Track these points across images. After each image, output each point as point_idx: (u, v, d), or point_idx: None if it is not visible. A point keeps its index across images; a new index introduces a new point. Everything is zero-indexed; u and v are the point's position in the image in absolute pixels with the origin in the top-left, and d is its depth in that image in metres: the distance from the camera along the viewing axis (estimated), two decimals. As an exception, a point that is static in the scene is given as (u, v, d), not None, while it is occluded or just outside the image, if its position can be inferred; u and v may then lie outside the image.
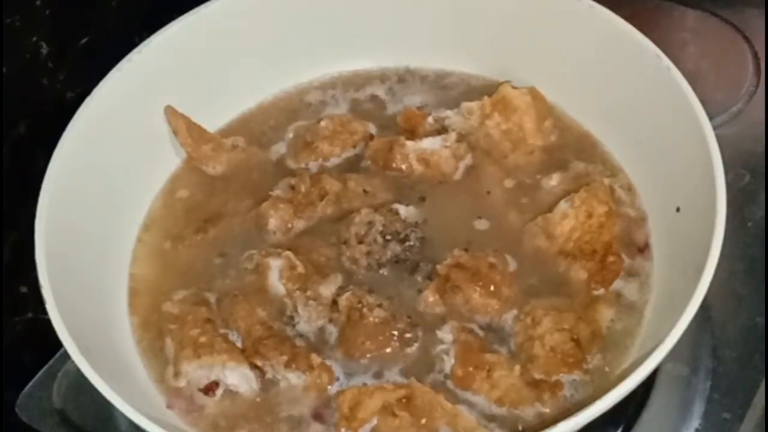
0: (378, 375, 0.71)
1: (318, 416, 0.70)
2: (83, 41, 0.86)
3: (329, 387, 0.71)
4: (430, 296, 0.74)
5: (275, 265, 0.76)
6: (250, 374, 0.71)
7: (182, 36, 0.83)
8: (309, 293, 0.75)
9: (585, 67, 0.82)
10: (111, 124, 0.79)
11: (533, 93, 0.83)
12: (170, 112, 0.83)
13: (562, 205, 0.76)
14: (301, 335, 0.74)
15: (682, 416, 0.74)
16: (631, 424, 0.74)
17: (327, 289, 0.75)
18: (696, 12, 0.98)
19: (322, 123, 0.85)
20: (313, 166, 0.83)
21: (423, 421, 0.67)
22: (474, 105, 0.83)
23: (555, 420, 0.61)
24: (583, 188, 0.76)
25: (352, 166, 0.83)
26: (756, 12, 0.97)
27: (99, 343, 0.70)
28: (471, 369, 0.69)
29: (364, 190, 0.81)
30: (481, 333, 0.72)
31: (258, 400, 0.71)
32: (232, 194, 0.83)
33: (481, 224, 0.79)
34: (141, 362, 0.74)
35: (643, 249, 0.76)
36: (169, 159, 0.85)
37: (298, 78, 0.90)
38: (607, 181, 0.79)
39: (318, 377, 0.70)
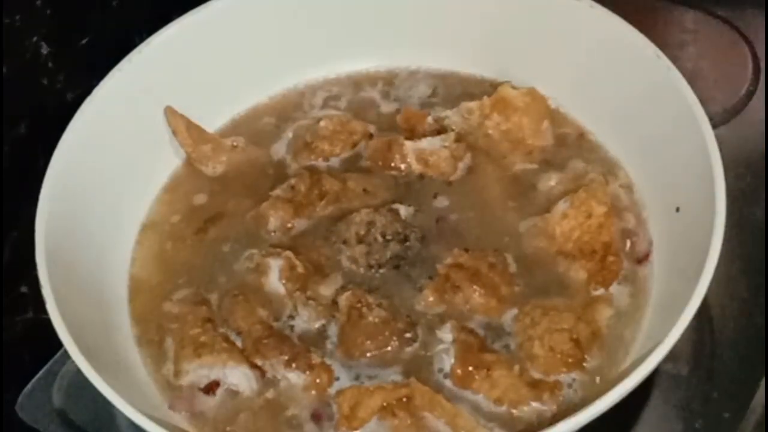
0: (378, 375, 0.71)
1: (318, 416, 0.70)
2: (83, 41, 0.86)
3: (329, 387, 0.71)
4: (429, 296, 0.74)
5: (275, 265, 0.76)
6: (250, 374, 0.71)
7: (182, 36, 0.83)
8: (309, 293, 0.75)
9: (585, 67, 0.83)
10: (111, 124, 0.79)
11: (533, 93, 0.83)
12: (170, 112, 0.83)
13: (561, 206, 0.76)
14: (301, 335, 0.74)
15: (682, 416, 0.74)
16: (631, 424, 0.74)
17: (327, 289, 0.75)
18: (696, 12, 0.98)
19: (322, 123, 0.85)
20: (313, 165, 0.83)
21: (423, 420, 0.67)
22: (473, 105, 0.83)
23: (554, 420, 0.61)
24: (582, 188, 0.76)
25: (351, 165, 0.83)
26: (756, 12, 0.97)
27: (99, 343, 0.71)
28: (470, 368, 0.69)
29: (364, 190, 0.81)
30: (480, 333, 0.72)
31: (258, 399, 0.71)
32: (232, 194, 0.83)
33: (481, 224, 0.79)
34: (141, 362, 0.74)
35: (642, 260, 0.76)
36: (169, 159, 0.85)
37: (298, 78, 0.90)
38: (606, 181, 0.79)
39: (318, 377, 0.71)
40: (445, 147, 0.81)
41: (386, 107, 0.88)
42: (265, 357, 0.71)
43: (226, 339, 0.73)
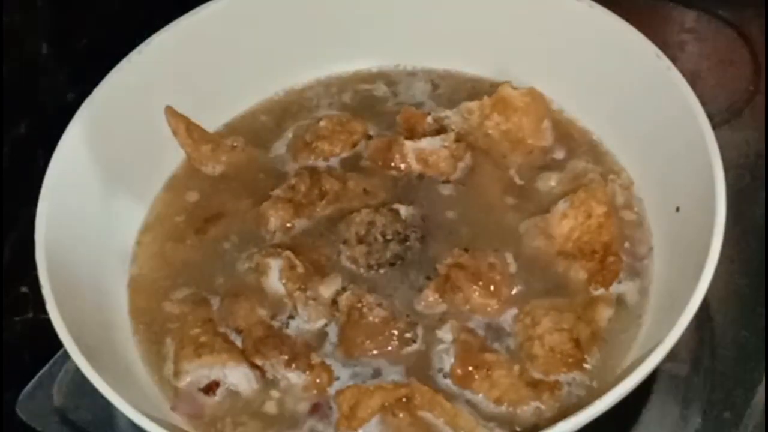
0: (378, 374, 0.71)
1: (318, 415, 0.70)
2: (83, 41, 0.86)
3: (329, 386, 0.71)
4: (429, 296, 0.74)
5: (275, 265, 0.76)
6: (250, 374, 0.71)
7: (182, 36, 0.83)
8: (309, 293, 0.75)
9: (585, 67, 0.83)
10: (111, 124, 0.79)
11: (533, 93, 0.83)
12: (170, 113, 0.83)
13: (561, 206, 0.76)
14: (301, 335, 0.74)
15: (682, 416, 0.74)
16: (631, 424, 0.74)
17: (327, 289, 0.75)
18: (696, 12, 0.98)
19: (322, 123, 0.85)
20: (313, 165, 0.83)
21: (423, 420, 0.67)
22: (473, 105, 0.83)
23: (554, 420, 0.61)
24: (582, 188, 0.76)
25: (351, 165, 0.83)
26: (756, 12, 0.97)
27: (99, 343, 0.71)
28: (470, 368, 0.69)
29: (364, 190, 0.81)
30: (480, 332, 0.72)
31: (258, 399, 0.71)
32: (232, 194, 0.83)
33: (481, 224, 0.79)
34: (141, 362, 0.74)
35: (641, 259, 0.76)
36: (169, 159, 0.85)
37: (298, 78, 0.90)
38: (606, 181, 0.79)
39: (318, 376, 0.71)
40: (445, 147, 0.81)
41: (386, 107, 0.88)
42: (265, 357, 0.71)
43: (226, 339, 0.73)
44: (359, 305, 0.73)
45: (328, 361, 0.72)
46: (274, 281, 0.76)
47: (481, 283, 0.73)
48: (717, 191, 0.68)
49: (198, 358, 0.72)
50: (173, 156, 0.85)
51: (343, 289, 0.75)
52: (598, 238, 0.75)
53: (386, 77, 0.90)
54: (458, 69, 0.90)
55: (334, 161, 0.84)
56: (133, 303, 0.78)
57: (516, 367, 0.69)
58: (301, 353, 0.72)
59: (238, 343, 0.73)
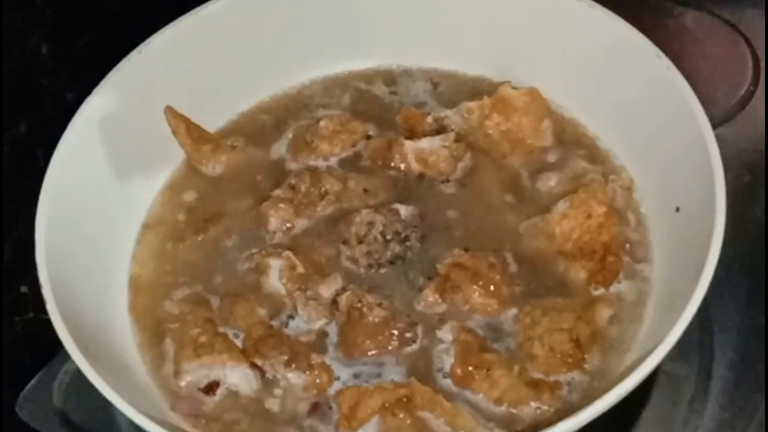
0: (378, 374, 0.71)
1: (318, 415, 0.70)
2: (83, 41, 0.86)
3: (329, 386, 0.71)
4: (429, 296, 0.74)
5: (275, 265, 0.76)
6: (250, 374, 0.71)
7: (182, 36, 0.83)
8: (309, 293, 0.75)
9: (585, 67, 0.83)
10: (111, 124, 0.79)
11: (533, 93, 0.83)
12: (170, 112, 0.83)
13: (561, 206, 0.76)
14: (300, 335, 0.74)
15: (682, 416, 0.74)
16: (631, 424, 0.74)
17: (327, 289, 0.75)
18: (696, 12, 0.98)
19: (322, 123, 0.85)
20: (313, 165, 0.83)
21: (423, 421, 0.67)
22: (473, 105, 0.83)
23: (554, 420, 0.61)
24: (582, 188, 0.76)
25: (351, 165, 0.83)
26: (756, 12, 0.97)
27: (99, 343, 0.71)
28: (470, 368, 0.69)
29: (364, 190, 0.81)
30: (480, 333, 0.72)
31: (258, 399, 0.71)
32: (232, 194, 0.83)
33: (481, 224, 0.79)
34: (141, 362, 0.74)
35: (643, 258, 0.76)
36: (169, 159, 0.85)
37: (298, 78, 0.90)
38: (606, 181, 0.79)
39: (318, 377, 0.71)
40: (444, 147, 0.81)
41: (386, 107, 0.88)
42: (265, 357, 0.71)
43: (226, 339, 0.73)
44: (359, 305, 0.73)
45: (328, 361, 0.72)
46: (274, 281, 0.76)
47: (480, 283, 0.73)
48: (717, 191, 0.68)
49: (198, 358, 0.72)
50: (173, 156, 0.85)
51: (343, 289, 0.75)
52: (598, 238, 0.75)
53: (386, 77, 0.90)
54: (458, 69, 0.90)
55: (334, 161, 0.84)
56: (133, 303, 0.78)
57: (516, 367, 0.69)
58: (301, 353, 0.72)
59: (238, 343, 0.73)
